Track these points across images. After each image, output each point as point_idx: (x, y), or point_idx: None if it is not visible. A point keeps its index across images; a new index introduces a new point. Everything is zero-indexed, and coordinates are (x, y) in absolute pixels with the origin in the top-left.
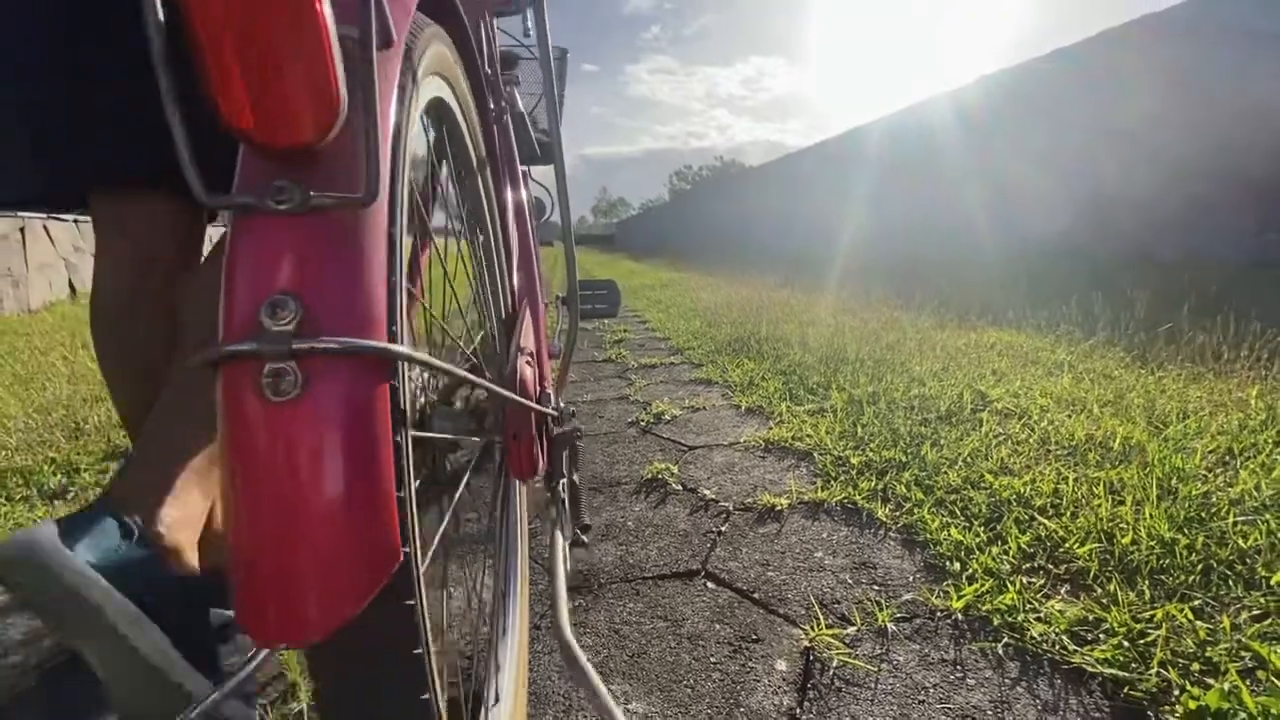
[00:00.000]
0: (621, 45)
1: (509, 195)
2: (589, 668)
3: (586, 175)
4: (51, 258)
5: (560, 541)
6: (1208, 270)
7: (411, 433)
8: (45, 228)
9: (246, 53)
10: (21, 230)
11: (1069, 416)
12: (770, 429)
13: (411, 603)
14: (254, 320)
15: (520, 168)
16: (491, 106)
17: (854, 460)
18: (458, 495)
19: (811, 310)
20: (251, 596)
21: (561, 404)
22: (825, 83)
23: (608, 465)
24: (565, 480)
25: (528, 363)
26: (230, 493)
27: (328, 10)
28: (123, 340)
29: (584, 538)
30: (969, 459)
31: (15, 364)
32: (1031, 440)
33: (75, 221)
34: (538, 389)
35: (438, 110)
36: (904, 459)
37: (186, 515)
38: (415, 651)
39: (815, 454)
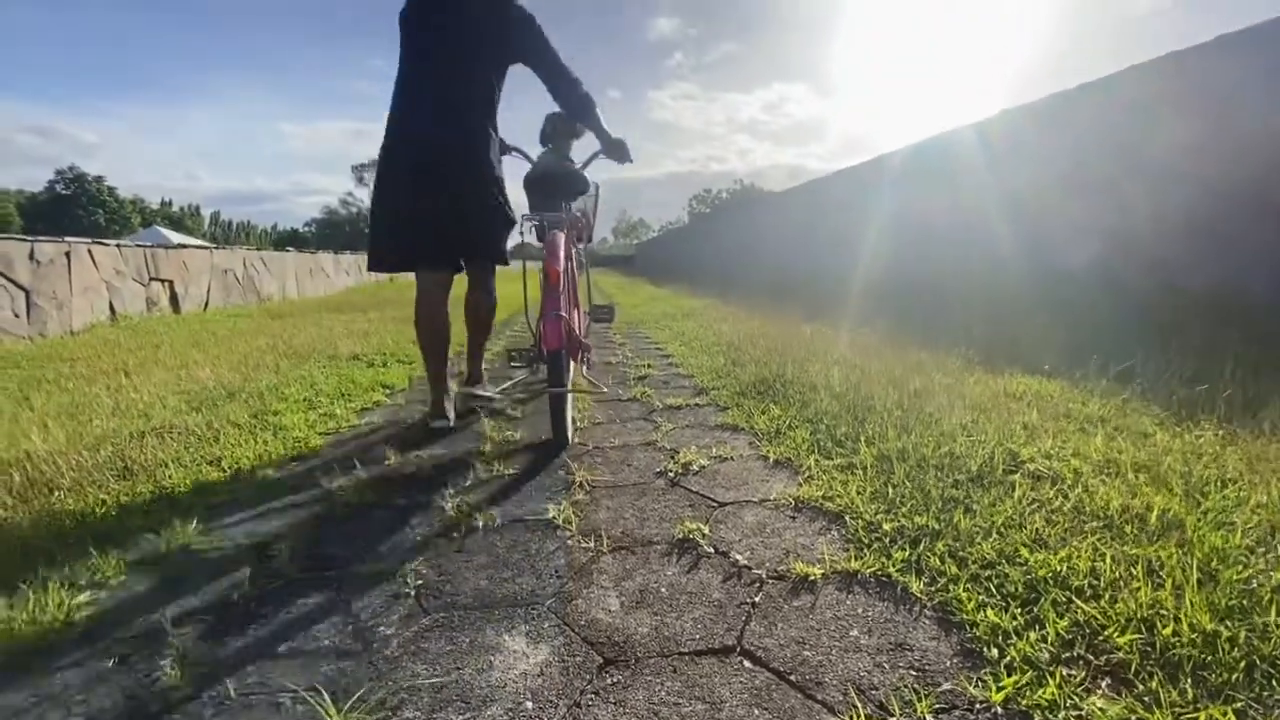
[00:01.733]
0: (645, 71)
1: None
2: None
3: (608, 197)
4: (94, 281)
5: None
6: (1238, 305)
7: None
8: (90, 252)
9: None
10: (67, 255)
11: (1104, 482)
12: (800, 485)
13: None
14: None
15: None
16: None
17: (886, 526)
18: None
19: (836, 349)
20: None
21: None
22: (847, 108)
23: (638, 521)
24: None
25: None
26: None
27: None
28: (433, 318)
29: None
30: (1002, 529)
31: (61, 394)
32: (1066, 509)
33: (119, 246)
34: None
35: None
36: (937, 526)
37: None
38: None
39: (847, 516)
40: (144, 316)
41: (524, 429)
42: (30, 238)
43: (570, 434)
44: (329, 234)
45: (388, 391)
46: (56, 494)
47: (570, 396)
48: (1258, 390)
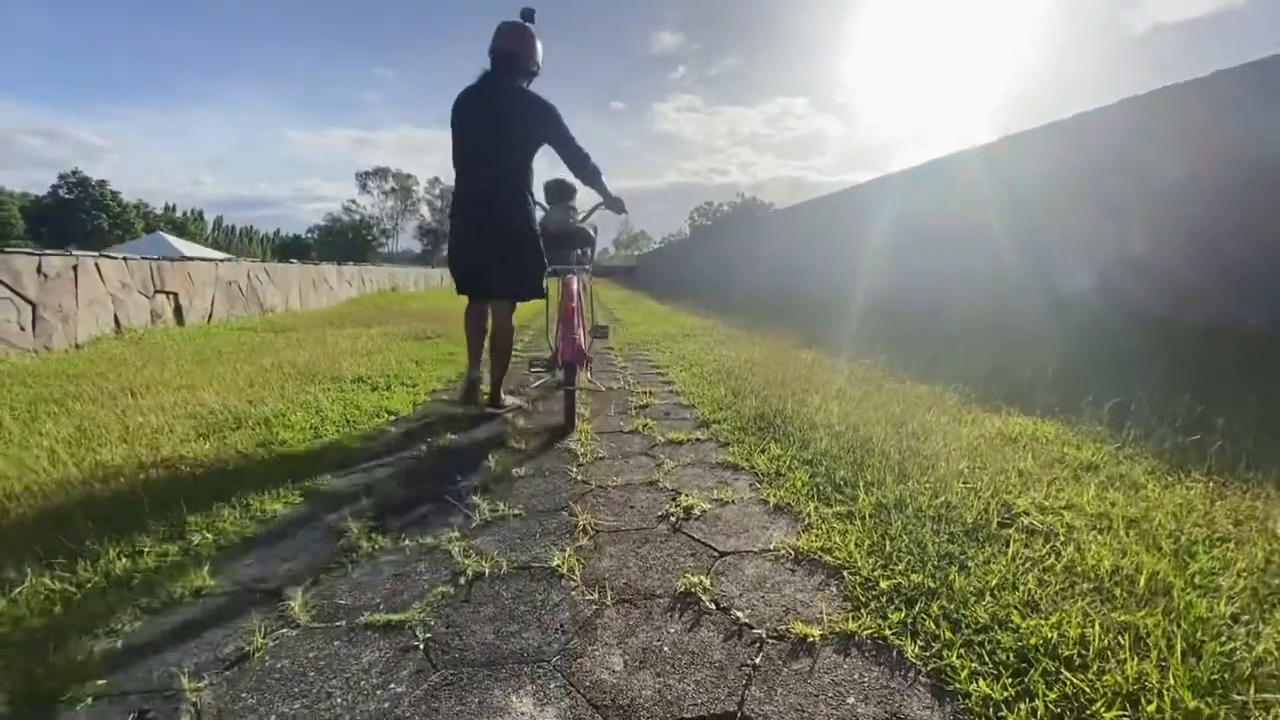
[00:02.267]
0: (650, 84)
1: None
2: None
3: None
4: (100, 294)
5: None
6: (1236, 342)
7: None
8: (97, 265)
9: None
10: (74, 268)
11: (1095, 539)
12: (800, 534)
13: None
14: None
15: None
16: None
17: (883, 584)
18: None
19: (835, 380)
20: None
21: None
22: (848, 122)
23: (641, 571)
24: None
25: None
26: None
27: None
28: (476, 325)
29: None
30: (996, 590)
31: (69, 416)
32: (1058, 568)
33: (125, 259)
34: (586, 344)
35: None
36: (932, 585)
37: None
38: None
39: (845, 571)
40: (148, 329)
41: (543, 419)
42: (38, 251)
43: (575, 421)
44: (331, 241)
45: (392, 419)
46: (70, 534)
47: (575, 384)
48: (1245, 428)
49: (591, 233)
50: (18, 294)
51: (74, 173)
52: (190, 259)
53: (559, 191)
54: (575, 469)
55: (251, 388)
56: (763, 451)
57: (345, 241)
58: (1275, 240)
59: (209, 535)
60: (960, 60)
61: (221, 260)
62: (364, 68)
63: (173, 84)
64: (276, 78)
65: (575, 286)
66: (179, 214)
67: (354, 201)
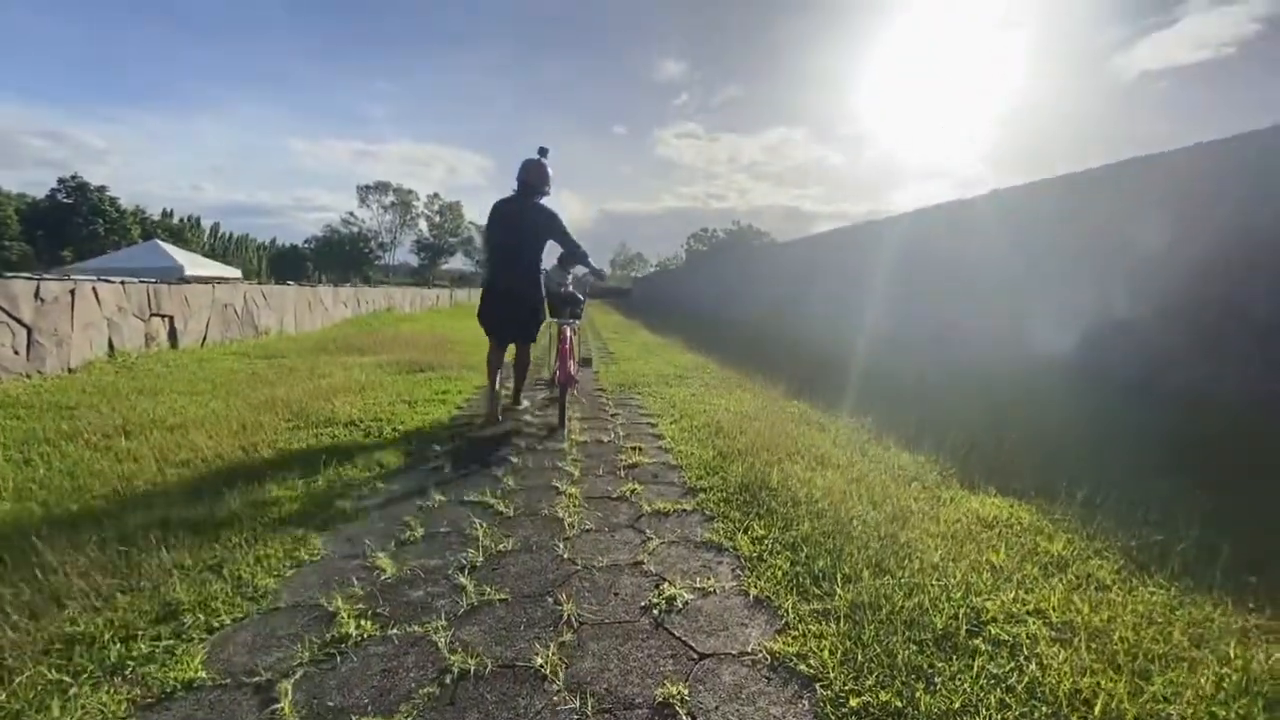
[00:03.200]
0: (652, 110)
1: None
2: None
3: (608, 229)
4: (96, 318)
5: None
6: (1210, 413)
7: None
8: (94, 289)
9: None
10: (72, 292)
11: (1058, 654)
12: (776, 636)
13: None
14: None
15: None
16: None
17: (853, 701)
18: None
19: (821, 442)
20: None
21: (577, 375)
22: (845, 154)
23: (621, 674)
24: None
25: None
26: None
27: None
28: (494, 363)
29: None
30: (959, 714)
31: (61, 459)
32: (1019, 689)
33: (122, 283)
34: (576, 354)
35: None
36: (899, 704)
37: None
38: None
39: (818, 685)
40: (141, 352)
41: (544, 424)
42: (37, 275)
43: (566, 426)
44: (328, 252)
45: (383, 474)
46: (66, 609)
47: (565, 400)
48: (1214, 519)
49: (580, 297)
50: (14, 318)
51: (73, 177)
52: (188, 280)
53: (562, 261)
54: (562, 544)
55: (244, 431)
56: (746, 530)
57: (342, 253)
58: (1252, 313)
59: (201, 616)
60: (956, 98)
61: (218, 281)
62: (369, 81)
63: (178, 90)
64: (282, 87)
65: (568, 333)
66: (176, 220)
67: (352, 214)
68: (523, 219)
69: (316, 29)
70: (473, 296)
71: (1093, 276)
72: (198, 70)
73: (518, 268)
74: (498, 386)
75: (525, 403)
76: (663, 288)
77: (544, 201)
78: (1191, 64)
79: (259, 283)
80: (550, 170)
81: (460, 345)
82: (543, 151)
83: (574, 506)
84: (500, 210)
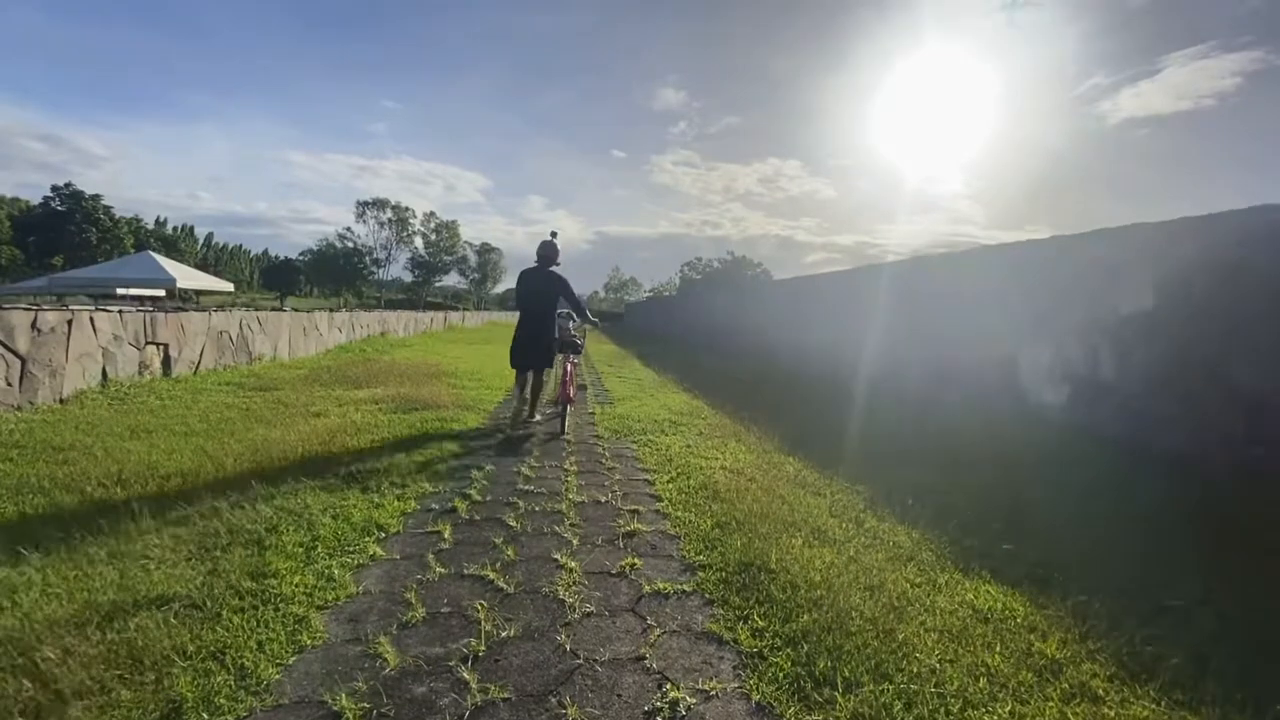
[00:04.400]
0: (650, 137)
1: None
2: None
3: (603, 251)
4: (92, 348)
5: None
6: (1195, 481)
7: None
8: (91, 319)
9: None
10: (69, 323)
11: None
12: None
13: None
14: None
15: (577, 358)
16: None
17: None
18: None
19: (818, 512)
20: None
21: (574, 396)
22: (839, 188)
23: None
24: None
25: (574, 375)
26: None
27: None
28: (522, 386)
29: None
30: None
31: (55, 513)
32: None
33: (120, 313)
34: (573, 393)
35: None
36: None
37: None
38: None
39: None
40: (134, 381)
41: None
42: (35, 306)
43: (565, 430)
44: (322, 265)
45: (381, 539)
46: (70, 709)
47: (566, 413)
48: (1210, 618)
49: (579, 342)
50: (10, 350)
51: (66, 185)
52: (184, 309)
53: (568, 313)
54: (563, 632)
55: (240, 480)
56: (747, 620)
57: (336, 267)
58: (1234, 381)
59: (205, 715)
60: (945, 136)
61: (209, 294)
62: (375, 98)
63: (180, 99)
64: (286, 100)
65: (568, 366)
66: (170, 230)
67: (349, 229)
68: (540, 283)
69: (329, 46)
70: (466, 319)
71: (1081, 335)
72: (202, 80)
73: (536, 319)
74: (518, 403)
75: (539, 416)
76: (655, 315)
77: (556, 269)
78: (1172, 113)
79: (250, 293)
80: (559, 246)
81: (454, 377)
82: (554, 234)
83: (573, 581)
84: (524, 277)
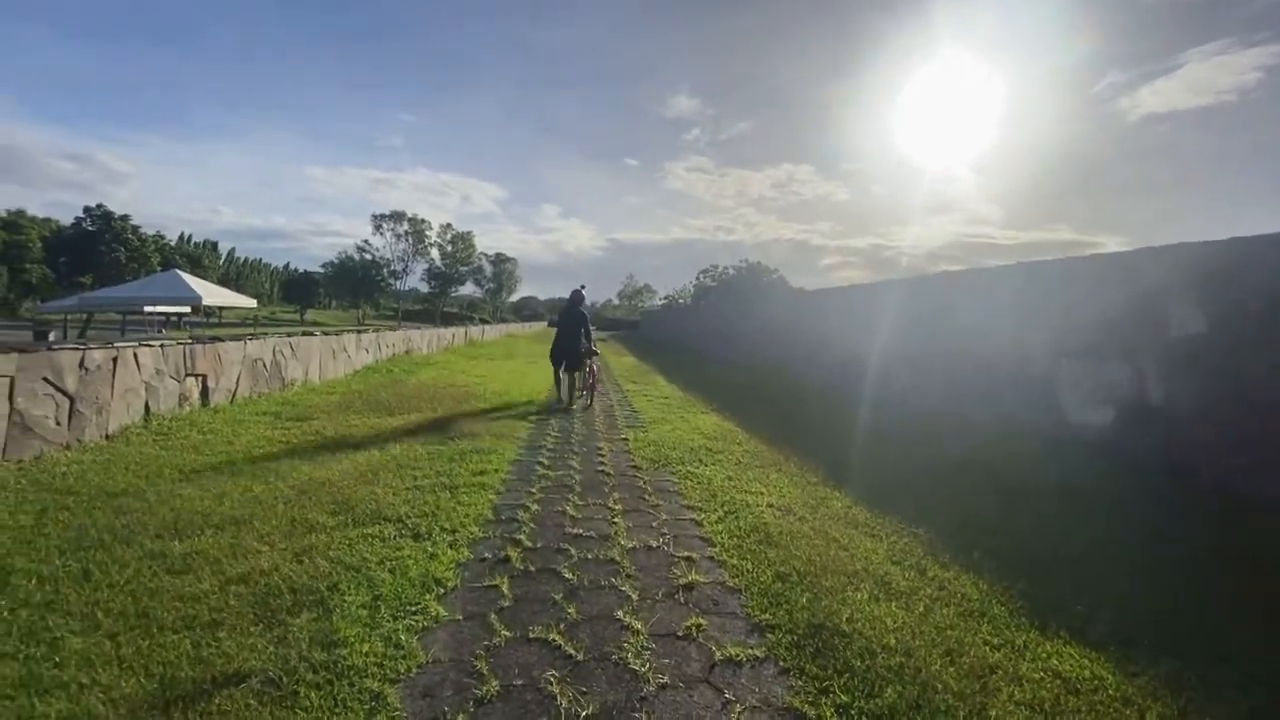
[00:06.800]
0: (663, 144)
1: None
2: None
3: (615, 258)
4: (136, 383)
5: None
6: (1241, 515)
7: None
8: (135, 355)
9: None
10: (114, 360)
11: None
12: None
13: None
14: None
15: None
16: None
17: None
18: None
19: (877, 559)
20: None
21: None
22: (853, 191)
23: None
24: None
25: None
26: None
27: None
28: (558, 381)
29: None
30: None
31: (120, 573)
32: None
33: (161, 346)
34: (592, 374)
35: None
36: None
37: (571, 398)
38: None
39: None
40: (175, 414)
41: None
42: (83, 345)
43: (591, 403)
44: (341, 278)
45: (440, 594)
46: None
47: (593, 395)
48: None
49: (596, 351)
50: (59, 389)
51: (98, 206)
52: (219, 339)
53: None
54: (641, 709)
55: (294, 530)
56: (827, 694)
57: (354, 280)
58: (1266, 407)
59: None
60: (962, 137)
61: (250, 338)
62: (391, 111)
63: (201, 117)
64: (304, 116)
65: (593, 365)
66: (193, 245)
67: (367, 241)
68: (571, 317)
69: (345, 61)
70: (485, 333)
71: (1121, 357)
72: (222, 98)
73: (567, 337)
74: (562, 393)
75: (576, 405)
76: (671, 324)
77: (583, 308)
78: (1192, 109)
79: (270, 306)
80: (585, 293)
81: (483, 398)
82: (582, 286)
83: (640, 644)
84: (563, 311)
